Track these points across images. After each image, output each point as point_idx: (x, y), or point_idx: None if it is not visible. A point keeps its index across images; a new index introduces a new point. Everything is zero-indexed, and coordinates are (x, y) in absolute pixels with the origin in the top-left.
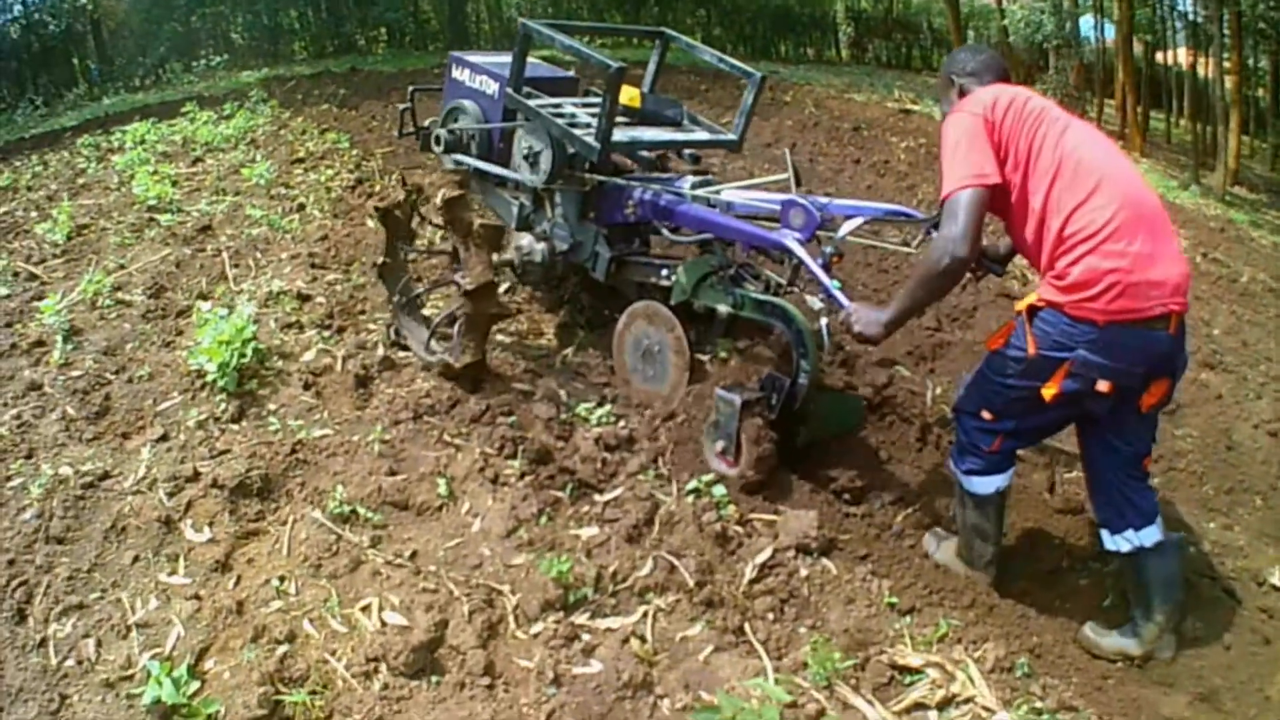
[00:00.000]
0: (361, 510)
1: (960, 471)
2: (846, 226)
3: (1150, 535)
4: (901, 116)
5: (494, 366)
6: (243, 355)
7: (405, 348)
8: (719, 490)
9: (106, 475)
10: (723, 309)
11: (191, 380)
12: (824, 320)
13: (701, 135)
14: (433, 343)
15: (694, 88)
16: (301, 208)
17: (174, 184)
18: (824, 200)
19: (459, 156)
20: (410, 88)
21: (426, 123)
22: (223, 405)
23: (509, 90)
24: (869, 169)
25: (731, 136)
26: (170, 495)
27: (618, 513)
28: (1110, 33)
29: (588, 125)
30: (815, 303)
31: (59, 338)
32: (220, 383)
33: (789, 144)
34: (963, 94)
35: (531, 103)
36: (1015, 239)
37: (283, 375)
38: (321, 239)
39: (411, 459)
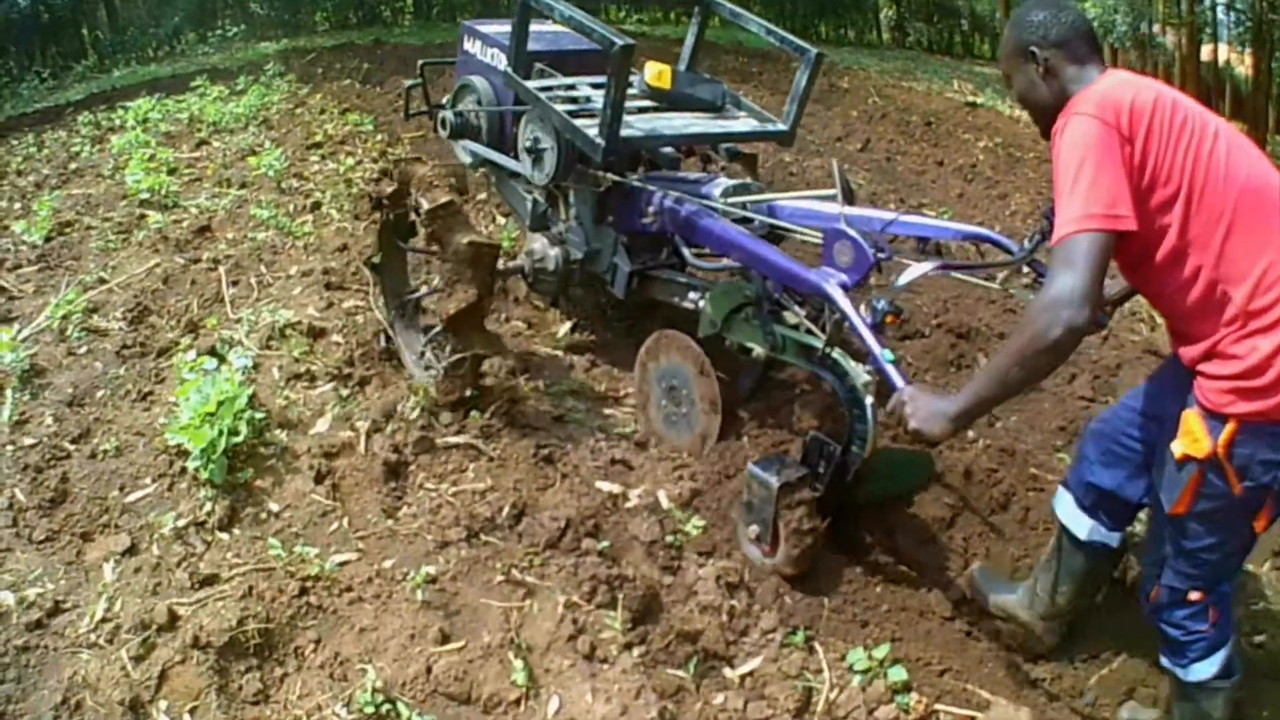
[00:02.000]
0: (403, 708)
1: (1180, 668)
2: (911, 273)
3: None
4: (969, 110)
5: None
6: (234, 433)
7: (396, 357)
8: (895, 673)
9: (58, 609)
10: (759, 350)
11: (170, 461)
12: (869, 400)
13: (744, 125)
14: (428, 354)
15: (741, 69)
16: (316, 206)
17: (171, 172)
18: (884, 216)
19: (468, 143)
20: (420, 61)
21: (444, 100)
22: (208, 505)
23: (507, 69)
24: (954, 173)
25: (781, 126)
26: (139, 658)
27: (762, 706)
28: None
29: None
30: (859, 373)
31: (14, 381)
32: (205, 473)
33: (862, 139)
34: (1049, 72)
35: (540, 83)
36: (1154, 298)
37: (288, 457)
38: (339, 249)
39: (469, 611)
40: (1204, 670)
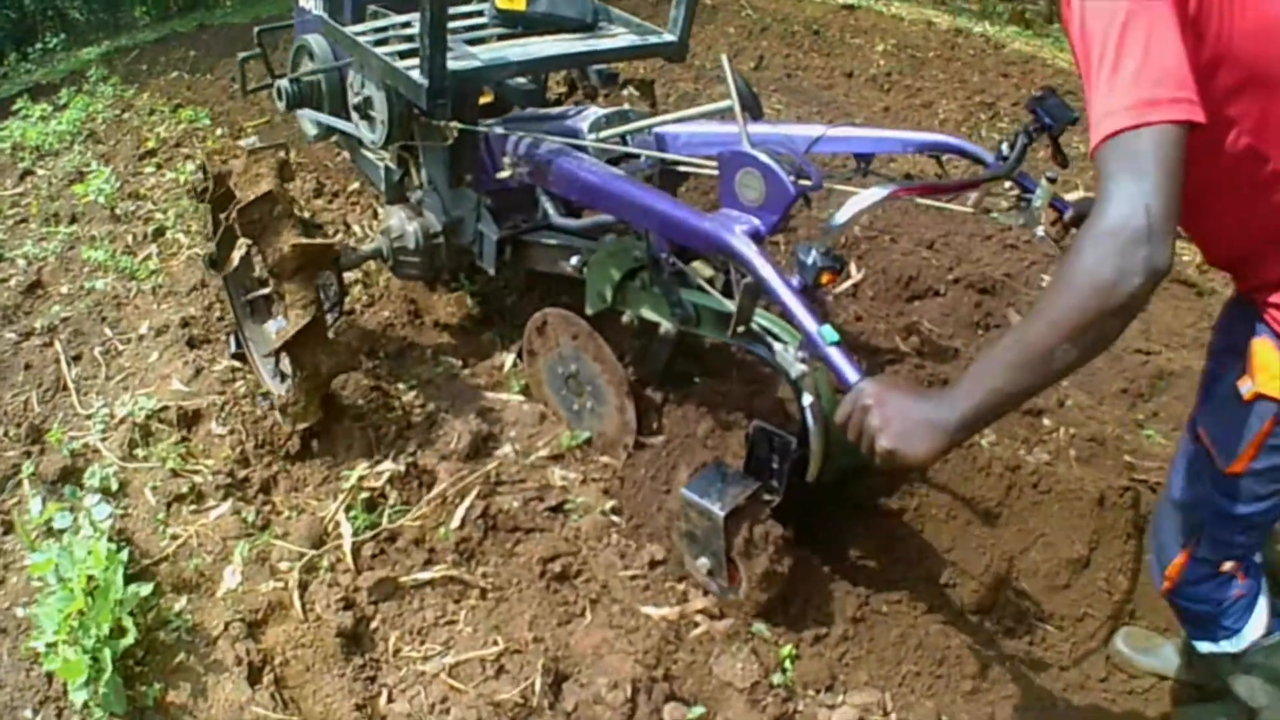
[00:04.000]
0: None
1: (1228, 640)
2: (856, 205)
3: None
4: (849, 13)
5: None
6: (120, 634)
7: (245, 360)
8: None
9: None
10: (666, 326)
11: (48, 680)
12: (807, 400)
13: (620, 41)
14: (282, 362)
15: None
16: (160, 233)
17: None
18: (810, 132)
19: (308, 113)
20: (256, 28)
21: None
22: None
23: (321, 14)
24: (866, 84)
25: (668, 36)
26: None
27: None
28: None
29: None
30: (791, 360)
31: None
32: (97, 710)
33: (754, 57)
34: None
35: (367, 25)
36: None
37: (201, 645)
38: (196, 287)
39: None
40: (1254, 629)
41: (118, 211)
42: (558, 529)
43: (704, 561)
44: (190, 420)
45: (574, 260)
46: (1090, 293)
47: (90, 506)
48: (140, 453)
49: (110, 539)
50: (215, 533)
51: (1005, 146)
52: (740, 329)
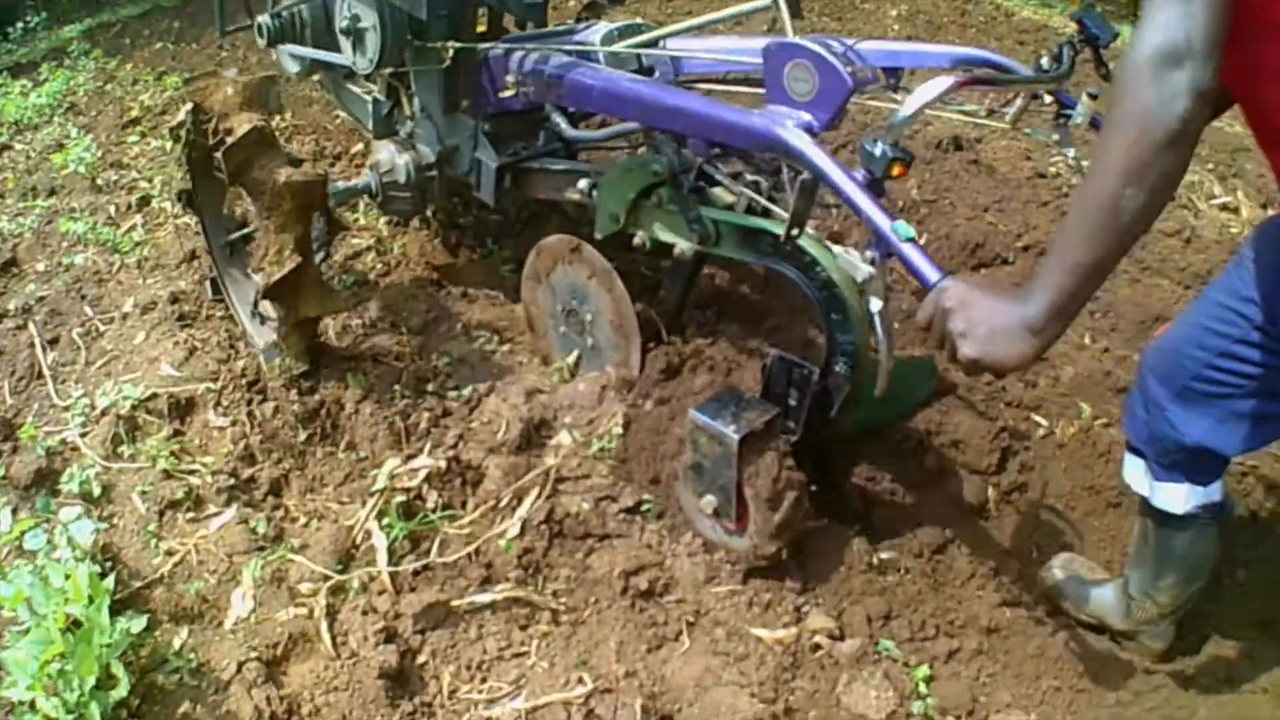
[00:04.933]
0: None
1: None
2: (924, 94)
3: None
4: None
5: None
6: (108, 686)
7: (224, 304)
8: None
9: None
10: (683, 246)
11: None
12: (874, 306)
13: None
14: (263, 307)
15: None
16: (145, 202)
17: None
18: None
19: (290, 48)
20: None
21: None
22: None
23: None
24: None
25: None
26: None
27: None
28: None
29: None
30: (858, 264)
31: None
32: None
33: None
34: None
35: None
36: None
37: (211, 695)
38: (186, 259)
39: None
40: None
41: (99, 182)
42: (637, 534)
43: (709, 499)
44: (183, 410)
45: (582, 184)
46: (1137, 125)
47: (69, 521)
48: (126, 450)
49: (94, 559)
50: (219, 547)
51: (1046, 60)
52: (793, 235)
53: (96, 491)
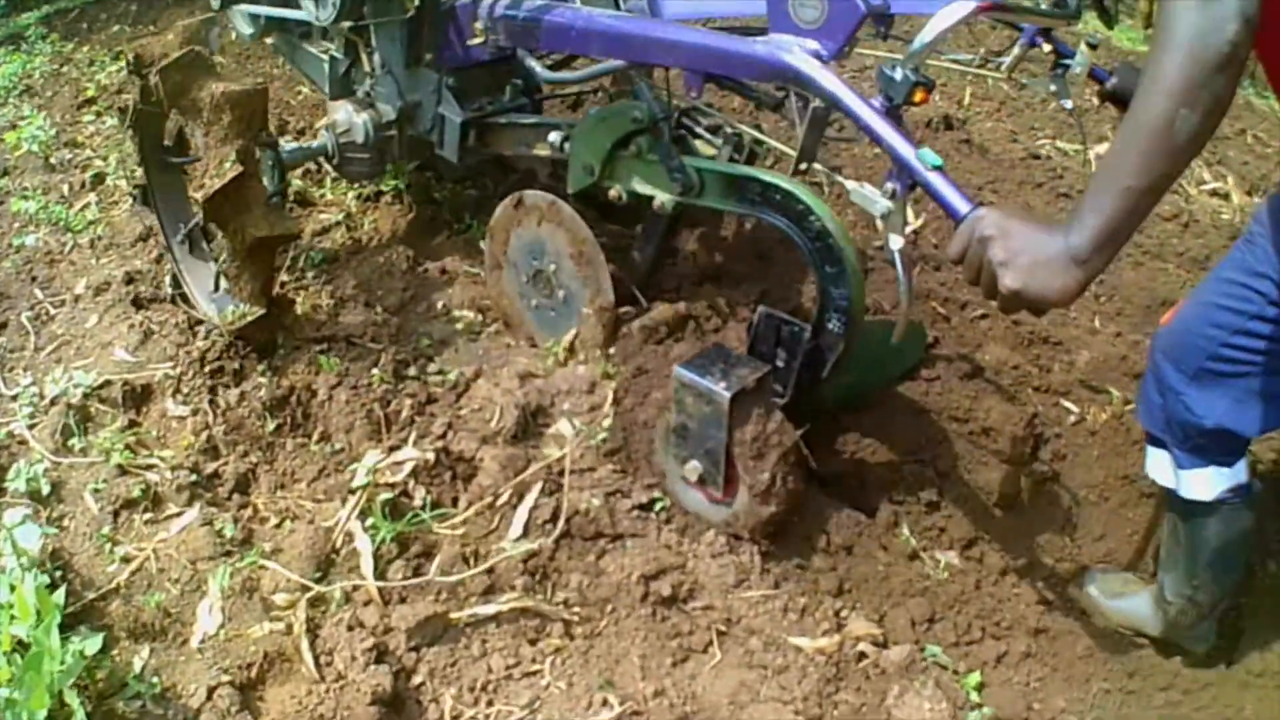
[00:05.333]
0: None
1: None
2: (947, 17)
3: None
4: None
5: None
6: (66, 714)
7: (187, 301)
8: None
9: None
10: (664, 198)
11: None
12: (895, 244)
13: None
14: (223, 283)
15: None
16: (99, 180)
17: None
18: None
19: (243, 7)
20: None
21: None
22: None
23: None
24: None
25: None
26: None
27: None
28: None
29: None
30: (876, 199)
31: None
32: None
33: None
34: None
35: None
36: None
37: (168, 714)
38: (142, 238)
39: None
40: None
41: (53, 161)
42: (654, 533)
43: (694, 465)
44: (139, 398)
45: (553, 136)
46: (1188, 49)
47: (13, 526)
48: (76, 443)
49: (42, 568)
50: (181, 552)
51: None
52: (804, 166)
53: (45, 490)
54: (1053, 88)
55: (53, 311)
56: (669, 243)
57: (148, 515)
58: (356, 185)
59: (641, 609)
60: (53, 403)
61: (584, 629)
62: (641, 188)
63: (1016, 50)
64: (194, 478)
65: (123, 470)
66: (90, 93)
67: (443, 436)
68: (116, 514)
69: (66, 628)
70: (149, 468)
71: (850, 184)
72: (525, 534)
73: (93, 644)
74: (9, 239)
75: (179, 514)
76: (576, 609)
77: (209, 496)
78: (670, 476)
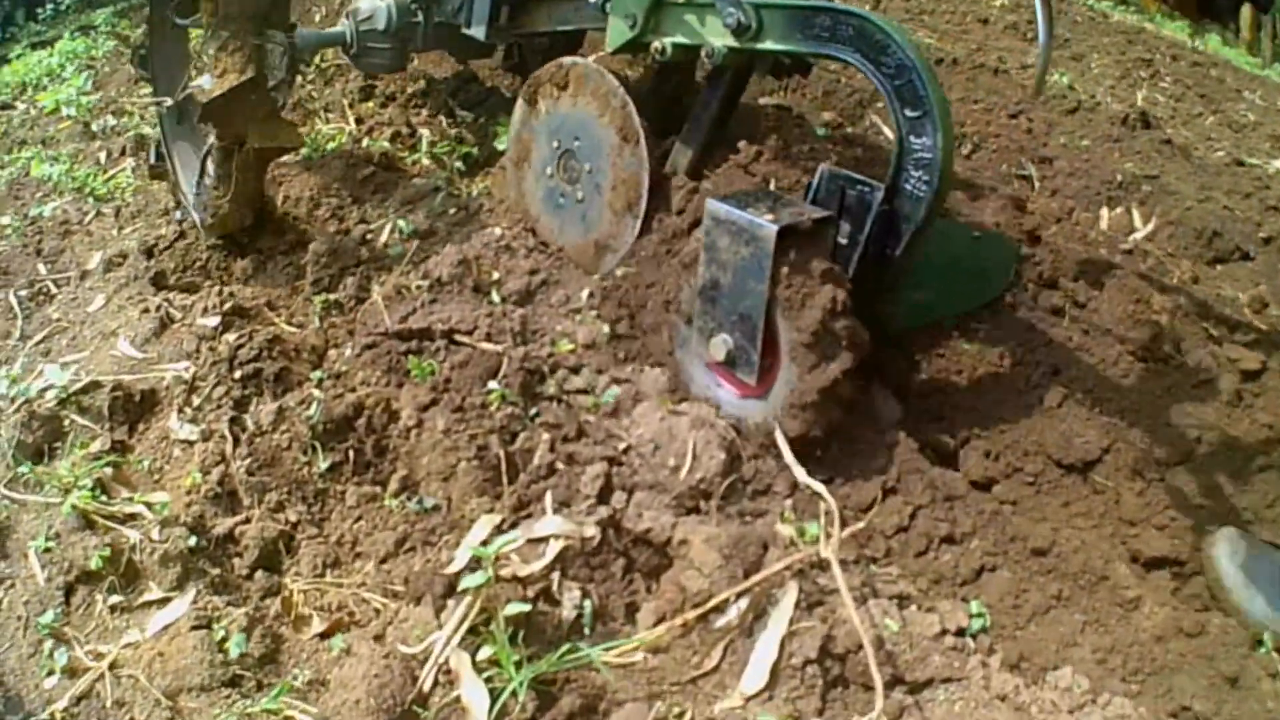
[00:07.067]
0: None
1: None
2: None
3: None
4: None
5: None
6: None
7: (165, 177)
8: None
9: None
10: (714, 43)
11: None
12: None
13: None
14: (210, 172)
15: None
16: (140, 145)
17: None
18: None
19: None
20: None
21: None
22: None
23: None
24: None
25: None
26: None
27: None
28: None
29: None
30: None
31: None
32: None
33: None
34: None
35: None
36: None
37: None
38: (172, 206)
39: None
40: None
41: (94, 127)
42: (978, 676)
43: (722, 340)
44: (135, 410)
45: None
46: None
47: None
48: (29, 473)
49: None
50: (155, 673)
51: None
52: None
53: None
54: None
55: (54, 290)
56: (718, 132)
57: (114, 599)
58: (461, 146)
59: None
60: (16, 409)
61: None
62: (687, 38)
63: None
64: (193, 541)
65: (86, 521)
66: None
67: (607, 496)
68: (69, 591)
69: None
70: (127, 519)
71: None
72: (771, 684)
73: None
74: (30, 207)
75: (162, 601)
76: None
77: (213, 576)
78: (684, 358)
